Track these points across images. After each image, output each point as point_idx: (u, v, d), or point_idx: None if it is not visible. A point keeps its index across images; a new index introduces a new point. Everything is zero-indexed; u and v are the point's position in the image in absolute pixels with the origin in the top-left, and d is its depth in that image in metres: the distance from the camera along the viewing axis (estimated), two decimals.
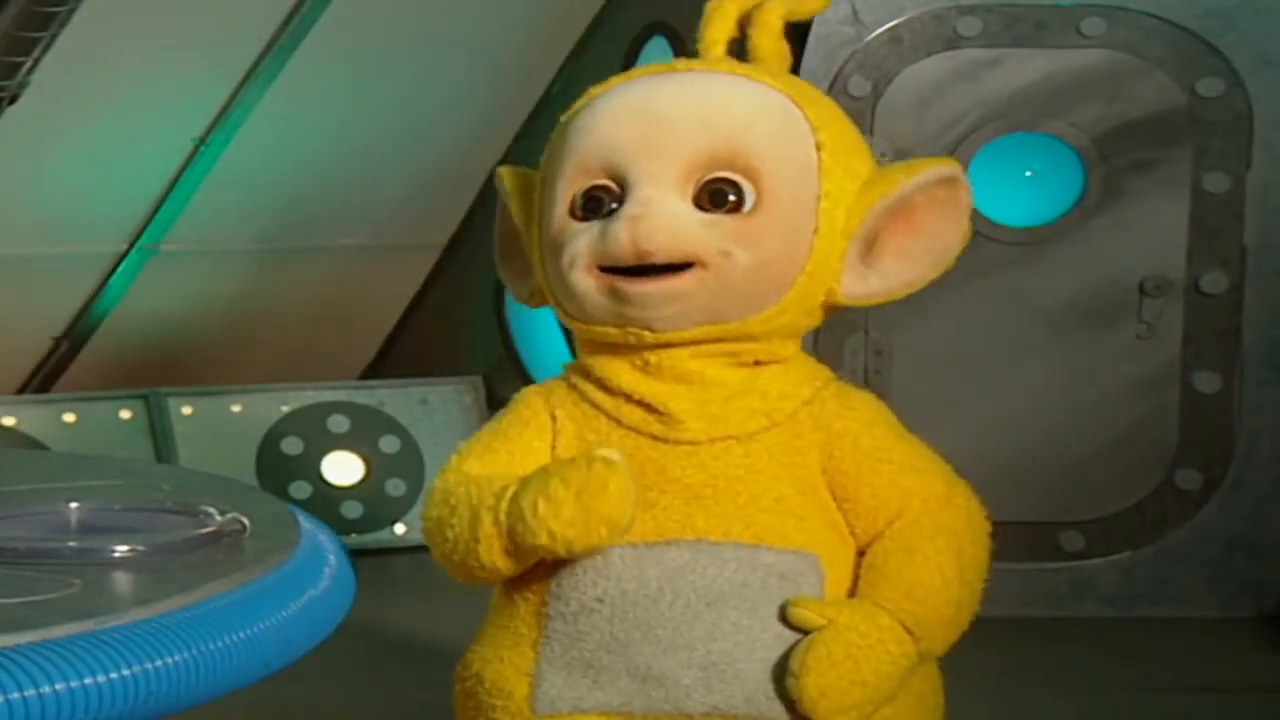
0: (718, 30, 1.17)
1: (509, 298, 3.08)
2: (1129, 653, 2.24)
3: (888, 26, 2.36)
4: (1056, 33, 2.36)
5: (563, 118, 1.18)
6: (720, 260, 1.06)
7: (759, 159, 1.07)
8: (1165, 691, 2.08)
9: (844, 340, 2.32)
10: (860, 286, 1.10)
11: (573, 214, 1.11)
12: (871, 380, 2.34)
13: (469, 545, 1.07)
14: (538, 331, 3.00)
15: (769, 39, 1.16)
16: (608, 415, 1.10)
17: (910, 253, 1.10)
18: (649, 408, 1.09)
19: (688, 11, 2.93)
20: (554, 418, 1.11)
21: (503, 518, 1.05)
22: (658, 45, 2.75)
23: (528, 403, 1.13)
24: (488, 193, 3.09)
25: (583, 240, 1.10)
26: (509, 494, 1.05)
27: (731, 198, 1.06)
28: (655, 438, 1.08)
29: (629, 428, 1.09)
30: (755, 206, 1.07)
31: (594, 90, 1.17)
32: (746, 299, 1.08)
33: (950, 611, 1.07)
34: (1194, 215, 2.36)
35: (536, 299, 1.17)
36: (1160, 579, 2.39)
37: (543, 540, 1.03)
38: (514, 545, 1.05)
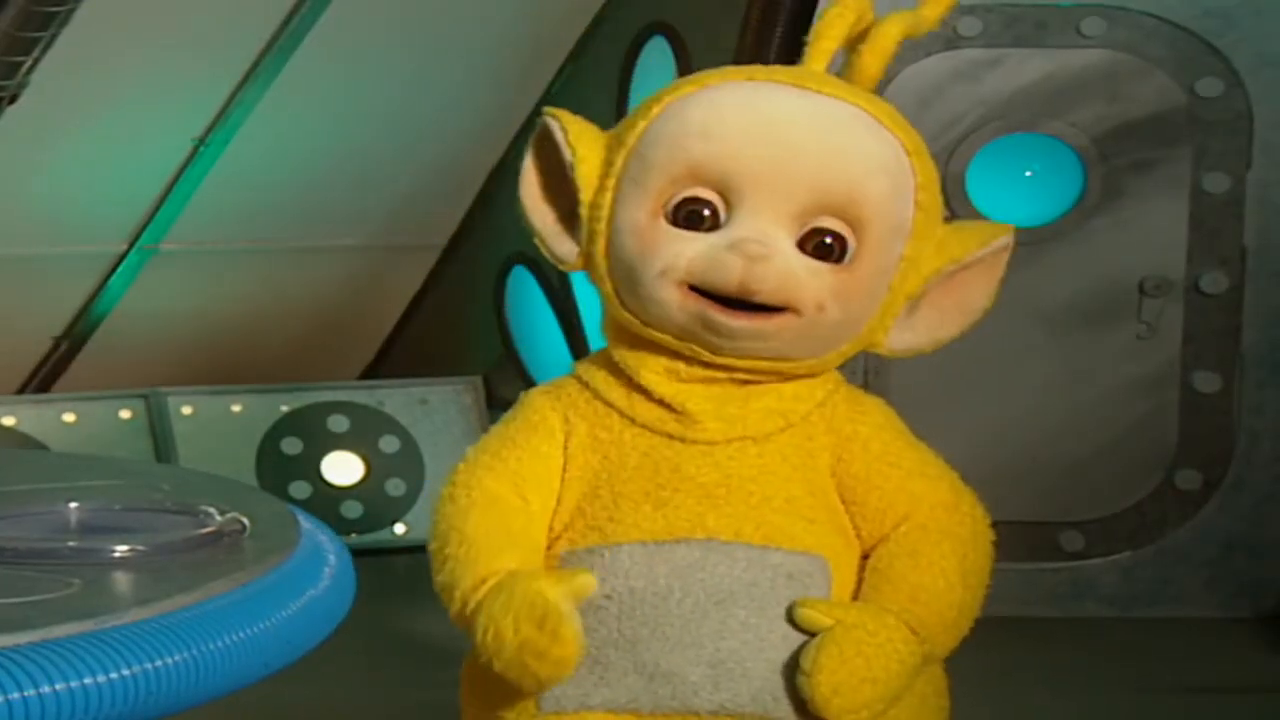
0: (830, 41, 1.11)
1: (509, 297, 3.08)
2: (1128, 653, 2.24)
3: None
4: (1056, 33, 2.36)
5: (667, 96, 1.11)
6: (815, 313, 1.06)
7: (871, 213, 1.06)
8: (1165, 692, 2.08)
9: None
10: (900, 340, 1.11)
11: (667, 216, 1.07)
12: (871, 380, 2.34)
13: (447, 605, 1.09)
14: (538, 331, 3.00)
15: (877, 61, 1.11)
16: (621, 413, 1.09)
17: (948, 311, 1.12)
18: (667, 406, 1.09)
19: (688, 11, 2.93)
20: (565, 420, 1.10)
21: (467, 613, 1.06)
22: (658, 45, 2.75)
23: (535, 406, 1.12)
24: (487, 192, 3.09)
25: (680, 253, 1.06)
26: (480, 593, 1.05)
27: (836, 247, 1.06)
28: (671, 436, 1.08)
29: (643, 425, 1.08)
30: (853, 260, 1.07)
31: (707, 77, 1.11)
32: (820, 347, 1.08)
33: (952, 615, 1.07)
34: (1194, 215, 2.36)
35: (577, 265, 1.13)
36: (1160, 579, 2.39)
37: (484, 660, 1.04)
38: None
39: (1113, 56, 2.35)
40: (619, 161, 1.10)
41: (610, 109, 2.81)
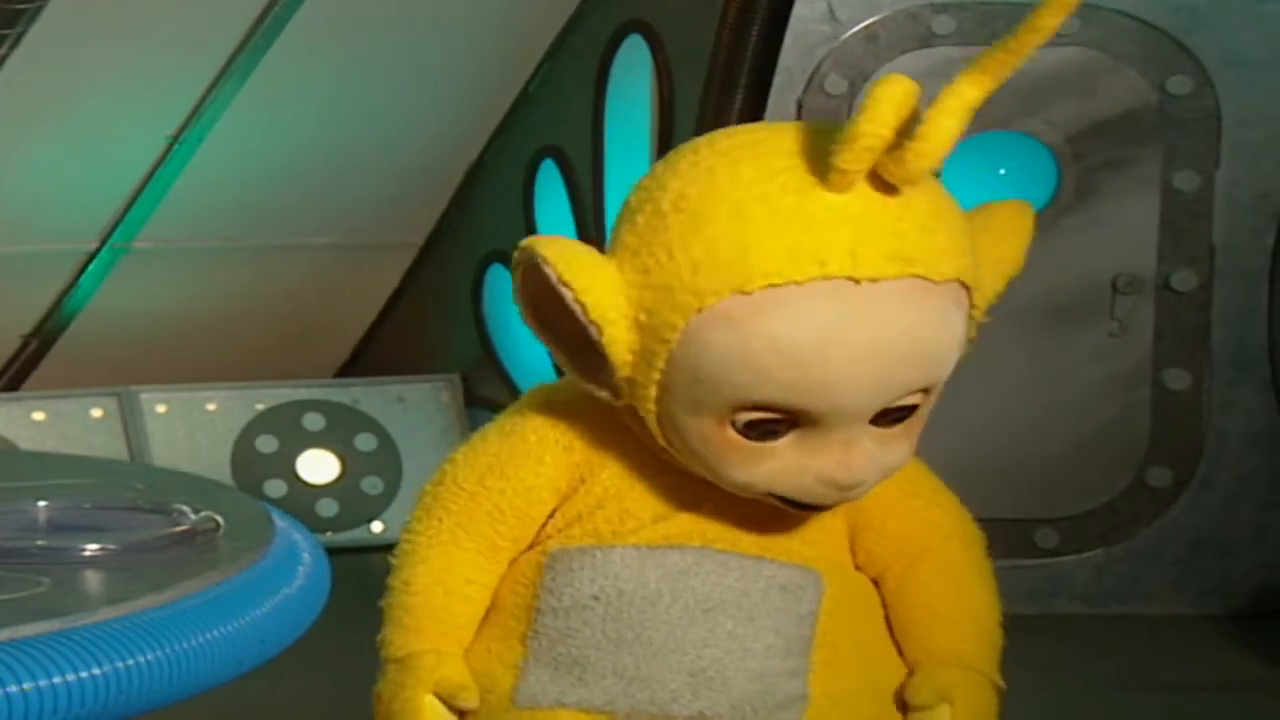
0: (890, 122, 0.90)
1: (486, 295, 3.08)
2: (1100, 650, 2.26)
3: (864, 24, 2.37)
4: None
5: (715, 279, 0.90)
6: (894, 470, 1.01)
7: (943, 376, 0.99)
8: (1135, 688, 2.10)
9: None
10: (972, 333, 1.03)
11: (733, 430, 0.96)
12: None
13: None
14: (516, 329, 3.00)
15: (941, 145, 0.91)
16: (636, 438, 1.04)
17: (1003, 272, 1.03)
18: None
19: (665, 10, 2.93)
20: (569, 443, 1.04)
21: (382, 654, 1.07)
22: (635, 44, 2.74)
23: (533, 426, 1.05)
24: (464, 191, 3.09)
25: (758, 469, 0.97)
26: (393, 653, 1.06)
27: (909, 415, 0.99)
28: (691, 474, 1.04)
29: (667, 457, 1.04)
30: (921, 408, 1.00)
31: (773, 271, 0.90)
32: None
33: (999, 636, 1.09)
34: (1164, 213, 2.38)
35: (616, 399, 1.00)
36: (1131, 576, 2.41)
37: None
38: None
39: (1086, 54, 2.36)
40: (660, 361, 0.95)
41: (587, 107, 2.81)
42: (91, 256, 2.90)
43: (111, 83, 2.64)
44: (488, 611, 1.08)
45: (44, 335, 2.94)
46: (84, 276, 2.91)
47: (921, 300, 0.94)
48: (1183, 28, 2.34)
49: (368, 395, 2.88)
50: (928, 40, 2.37)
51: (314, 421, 2.83)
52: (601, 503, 1.05)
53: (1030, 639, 2.22)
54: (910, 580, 1.08)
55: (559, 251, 0.96)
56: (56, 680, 0.79)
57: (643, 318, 0.95)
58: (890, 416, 0.98)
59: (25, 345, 2.95)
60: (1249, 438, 2.40)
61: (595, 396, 1.02)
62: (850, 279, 0.92)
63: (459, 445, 1.09)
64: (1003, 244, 1.01)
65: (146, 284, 2.95)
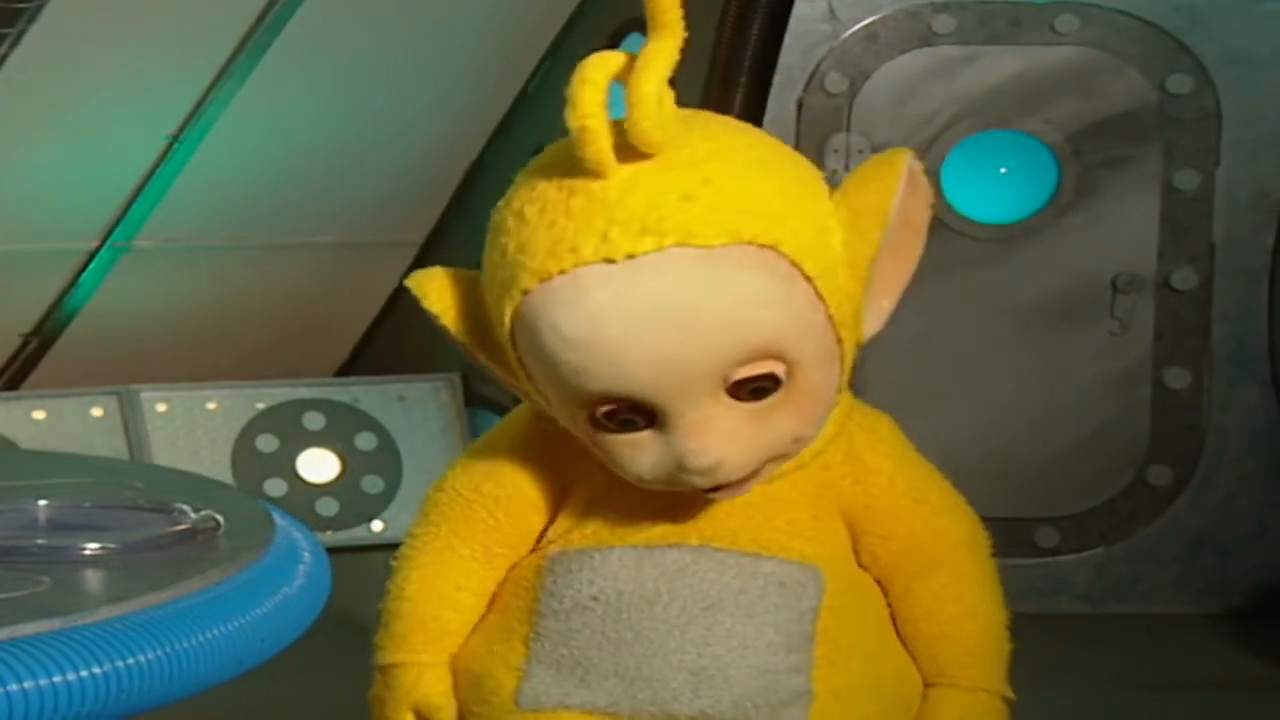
0: (603, 142, 0.92)
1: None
2: (1100, 649, 2.26)
3: (864, 23, 2.37)
4: (1030, 30, 2.37)
5: (504, 305, 0.95)
6: (794, 446, 1.01)
7: (780, 338, 0.96)
8: (1135, 687, 2.10)
9: None
10: (877, 319, 1.03)
11: (598, 426, 0.98)
12: (851, 379, 2.34)
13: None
14: None
15: (648, 109, 0.93)
16: None
17: (901, 248, 1.03)
18: None
19: None
20: (564, 447, 1.05)
21: (373, 661, 1.09)
22: (634, 43, 2.74)
23: (534, 433, 1.06)
24: (465, 190, 3.08)
25: (642, 463, 0.98)
26: (383, 660, 1.08)
27: (769, 385, 0.97)
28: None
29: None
30: (790, 378, 0.97)
31: (540, 274, 0.93)
32: (819, 427, 1.04)
33: (1007, 656, 1.10)
34: (1164, 212, 2.38)
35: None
36: (1131, 576, 2.41)
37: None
38: None
39: (1085, 53, 2.36)
40: (512, 359, 0.99)
41: None
42: (92, 255, 2.90)
43: (112, 81, 2.64)
44: (490, 614, 1.09)
45: (44, 334, 2.94)
46: (84, 275, 2.92)
47: (690, 269, 0.93)
48: (1183, 27, 2.34)
49: (368, 394, 2.88)
50: (928, 39, 2.37)
51: (314, 420, 2.82)
52: (598, 504, 1.06)
53: (1030, 638, 2.22)
54: (918, 592, 1.08)
55: (420, 282, 1.03)
56: (57, 679, 0.79)
57: (496, 328, 0.99)
58: (747, 388, 0.97)
59: (25, 344, 2.95)
60: (1249, 437, 2.40)
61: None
62: (606, 260, 0.93)
63: (459, 445, 1.10)
64: (864, 194, 1.00)
65: (147, 283, 2.95)
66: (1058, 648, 2.23)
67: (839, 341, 1.01)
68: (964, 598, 1.08)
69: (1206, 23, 2.34)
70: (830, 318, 0.99)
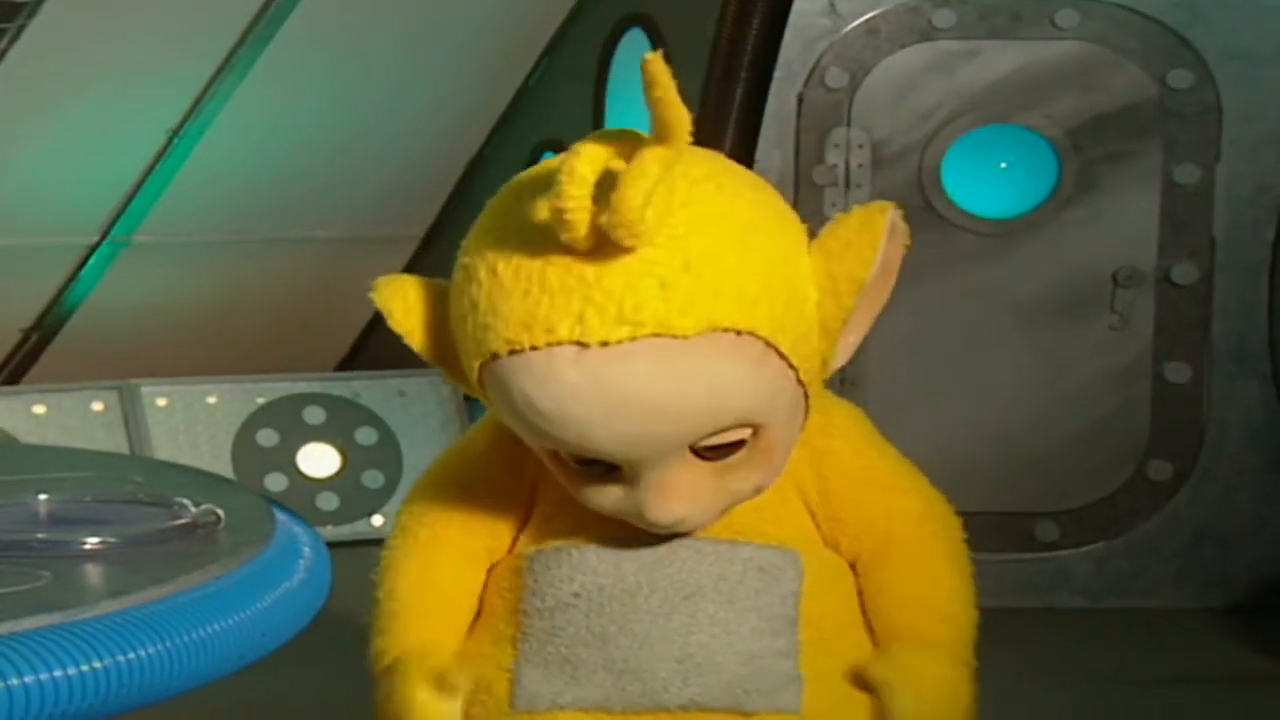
0: (584, 224, 0.90)
1: None
2: (1100, 643, 2.26)
3: (865, 18, 2.36)
4: (1030, 25, 2.37)
5: (472, 357, 0.95)
6: (754, 494, 1.03)
7: (749, 412, 0.96)
8: (1135, 682, 2.10)
9: None
10: (845, 354, 1.03)
11: (568, 464, 0.99)
12: (848, 373, 2.34)
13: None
14: None
15: (633, 216, 0.89)
16: None
17: (872, 289, 1.01)
18: None
19: (666, 3, 2.93)
20: (530, 466, 1.06)
21: (373, 666, 1.08)
22: (635, 37, 2.74)
23: (501, 442, 1.07)
24: (465, 184, 3.08)
25: (603, 499, 0.99)
26: (384, 662, 1.07)
27: (735, 448, 0.98)
28: None
29: None
30: (755, 439, 0.98)
31: (513, 343, 0.92)
32: (779, 469, 1.04)
33: (974, 628, 1.09)
34: (1165, 207, 2.37)
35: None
36: (1131, 570, 2.41)
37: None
38: None
39: (1086, 48, 2.36)
40: (480, 394, 1.00)
41: (588, 101, 2.80)
42: (92, 250, 2.89)
43: (112, 76, 2.63)
44: (478, 617, 1.09)
45: (44, 328, 2.95)
46: (84, 270, 2.91)
47: (664, 359, 0.93)
48: (1183, 21, 2.34)
49: (368, 389, 2.88)
50: (928, 34, 2.36)
51: (314, 415, 2.82)
52: (569, 501, 1.06)
53: (1030, 633, 2.22)
54: (877, 568, 1.08)
55: (386, 297, 1.01)
56: (57, 674, 0.79)
57: (465, 365, 0.99)
58: (710, 451, 0.98)
59: (26, 338, 2.95)
60: (1249, 431, 2.40)
61: None
62: (579, 344, 0.92)
63: (452, 443, 1.11)
64: (845, 260, 0.98)
65: (147, 277, 2.95)
66: (1058, 642, 2.23)
67: (805, 396, 1.02)
68: (921, 571, 1.08)
69: (1207, 18, 2.34)
70: (799, 379, 1.00)
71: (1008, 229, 2.40)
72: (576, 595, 1.04)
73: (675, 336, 0.93)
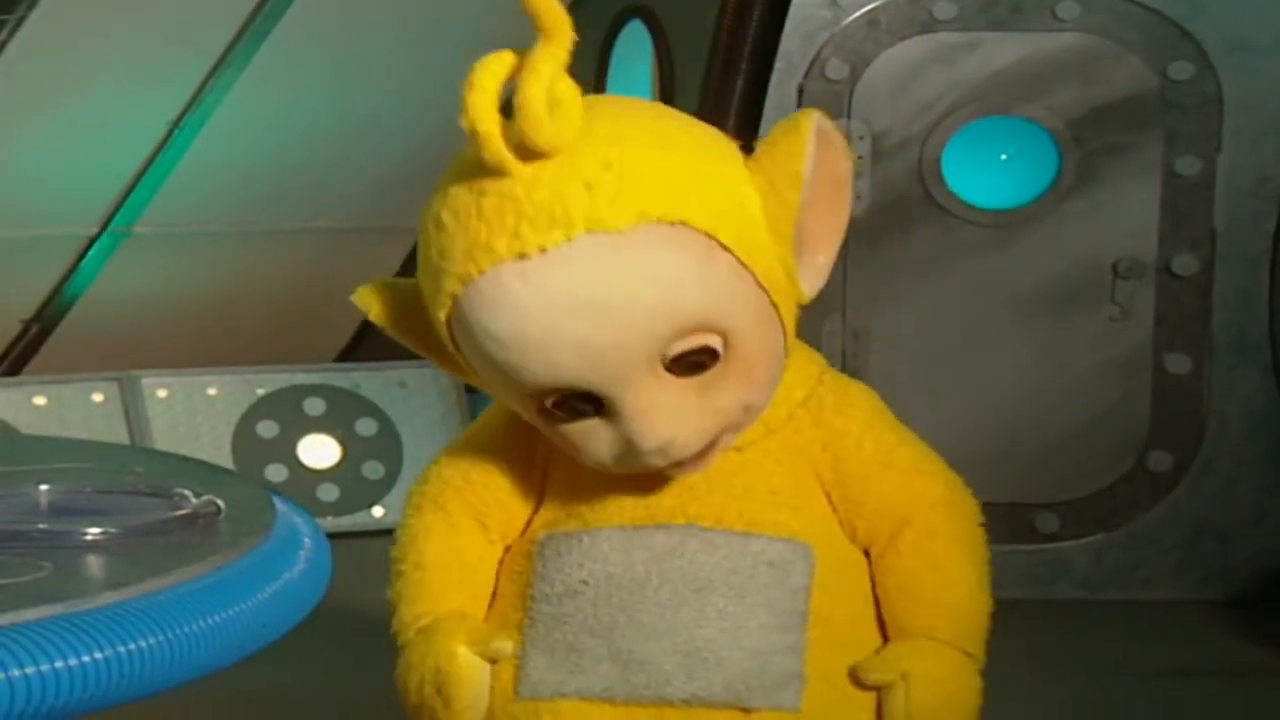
0: (492, 124, 0.95)
1: None
2: (1100, 635, 2.26)
3: (865, 10, 2.36)
4: (1031, 16, 2.36)
5: (436, 308, 0.98)
6: (744, 415, 1.02)
7: (706, 310, 0.96)
8: (1134, 674, 2.10)
9: (821, 323, 2.33)
10: (815, 277, 1.03)
11: (550, 416, 0.99)
12: (849, 363, 2.34)
13: (390, 609, 1.09)
14: None
15: (536, 118, 0.94)
16: None
17: (827, 199, 1.02)
18: None
19: None
20: (541, 450, 1.06)
21: (399, 641, 1.07)
22: (635, 28, 2.74)
23: (511, 425, 1.07)
24: None
25: (598, 448, 0.99)
26: (414, 629, 1.06)
27: (707, 358, 0.98)
28: None
29: None
30: (728, 349, 0.97)
31: (465, 279, 0.95)
32: (769, 393, 1.03)
33: (983, 619, 1.07)
34: (1165, 198, 2.37)
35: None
36: (1131, 561, 2.42)
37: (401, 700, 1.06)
38: None
39: (1087, 40, 2.35)
40: (460, 361, 1.01)
41: (588, 91, 2.79)
42: (92, 241, 2.89)
43: (112, 68, 2.63)
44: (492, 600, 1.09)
45: (45, 320, 2.95)
46: (85, 261, 2.91)
47: (602, 257, 0.94)
48: (1184, 13, 2.33)
49: (369, 380, 2.88)
50: (929, 25, 2.36)
51: (315, 406, 2.83)
52: (580, 486, 1.06)
53: (1030, 624, 2.22)
54: (889, 555, 1.07)
55: (364, 296, 1.05)
56: (58, 665, 0.79)
57: (438, 332, 1.01)
58: (685, 364, 0.97)
59: (26, 330, 2.95)
60: (1250, 422, 2.40)
61: None
62: (520, 257, 0.95)
63: (460, 430, 1.11)
64: (775, 157, 0.99)
65: (147, 268, 2.95)
66: (1057, 634, 2.23)
67: (774, 305, 1.01)
68: (933, 557, 1.06)
69: (1208, 9, 2.34)
70: (760, 284, 0.99)
71: (1008, 220, 2.40)
72: (584, 582, 1.03)
73: (609, 231, 0.94)
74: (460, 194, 0.98)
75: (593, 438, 1.00)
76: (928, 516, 1.07)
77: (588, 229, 0.94)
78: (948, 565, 1.07)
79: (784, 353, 1.03)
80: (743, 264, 0.98)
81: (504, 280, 0.95)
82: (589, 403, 0.98)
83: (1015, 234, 2.39)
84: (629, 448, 0.99)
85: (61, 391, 2.73)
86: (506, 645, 1.04)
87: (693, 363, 0.98)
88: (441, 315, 0.99)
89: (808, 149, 0.99)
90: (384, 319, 1.05)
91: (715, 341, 0.98)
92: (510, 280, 0.95)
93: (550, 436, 1.03)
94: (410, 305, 1.04)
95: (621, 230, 0.94)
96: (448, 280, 0.98)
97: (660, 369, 0.97)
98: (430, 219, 1.00)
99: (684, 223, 0.96)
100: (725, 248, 0.97)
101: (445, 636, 1.04)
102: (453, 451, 1.11)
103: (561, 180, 0.95)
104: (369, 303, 1.06)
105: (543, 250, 0.94)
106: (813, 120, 1.00)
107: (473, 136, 0.96)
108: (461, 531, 1.08)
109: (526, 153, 0.95)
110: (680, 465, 1.01)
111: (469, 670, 1.03)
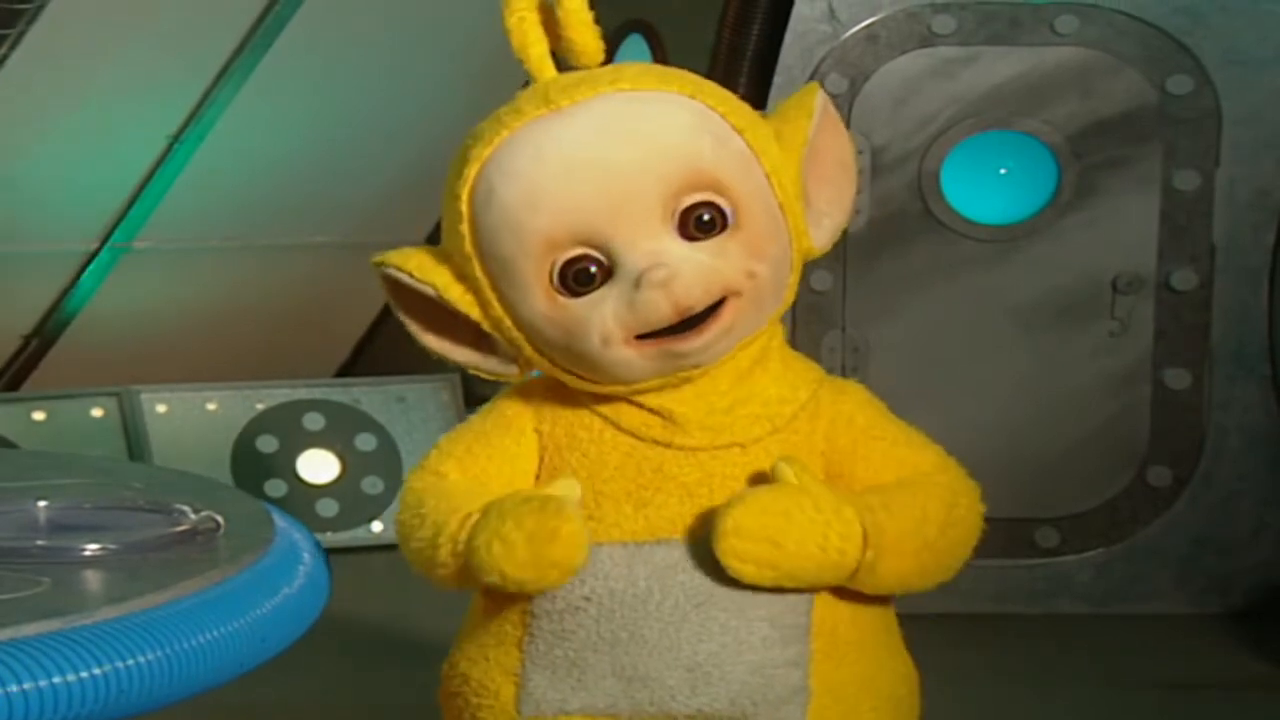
0: (537, 44, 1.09)
1: None
2: (1102, 649, 2.26)
3: (864, 24, 2.37)
4: (1030, 30, 2.37)
5: (461, 186, 1.07)
6: (749, 281, 1.05)
7: (718, 170, 1.04)
8: (1136, 687, 2.10)
9: (821, 337, 2.33)
10: (824, 234, 1.10)
11: (562, 291, 1.04)
12: (849, 377, 2.33)
13: (429, 565, 1.07)
14: None
15: (586, 34, 1.09)
16: (604, 417, 1.09)
17: (833, 177, 1.10)
18: (653, 412, 1.08)
19: (665, 9, 2.93)
20: (539, 420, 1.09)
21: (460, 548, 1.04)
22: (635, 43, 2.75)
23: (507, 406, 1.11)
24: None
25: (605, 317, 1.03)
26: (469, 524, 1.04)
27: (716, 217, 1.04)
28: (656, 442, 1.07)
29: (628, 431, 1.08)
30: (737, 218, 1.04)
31: (501, 127, 1.06)
32: (774, 300, 1.08)
33: (915, 548, 1.06)
34: (1164, 212, 2.38)
35: (527, 369, 1.12)
36: (1132, 576, 2.41)
37: (495, 580, 1.03)
38: (470, 577, 1.05)
39: (1085, 54, 2.36)
40: (477, 271, 1.07)
41: None
42: (92, 256, 2.90)
43: (111, 83, 2.64)
44: (481, 618, 1.09)
45: (44, 335, 2.95)
46: (84, 276, 2.92)
47: (623, 104, 1.05)
48: (1183, 27, 2.34)
49: (368, 395, 2.88)
50: (927, 40, 2.37)
51: (314, 421, 2.82)
52: (582, 486, 1.06)
53: (1031, 639, 2.22)
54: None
55: (391, 254, 1.12)
56: (57, 680, 0.79)
57: (454, 252, 1.08)
58: (694, 222, 1.04)
59: (26, 345, 2.95)
60: (1250, 436, 2.40)
61: (554, 383, 1.09)
62: (546, 113, 1.05)
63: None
64: (785, 116, 1.11)
65: (146, 284, 2.95)
66: (1059, 648, 2.23)
67: (781, 208, 1.07)
68: (920, 490, 1.08)
69: (1207, 23, 2.34)
70: (768, 178, 1.07)
71: (1007, 235, 2.40)
72: (587, 599, 1.04)
73: (633, 90, 1.06)
74: (506, 104, 1.08)
75: (600, 309, 1.04)
76: (919, 478, 1.09)
77: (614, 88, 1.05)
78: (920, 491, 1.07)
79: (789, 266, 1.08)
80: (754, 152, 1.06)
81: (529, 131, 1.05)
82: (599, 265, 1.03)
83: (1014, 248, 2.39)
84: (634, 295, 1.02)
85: (61, 407, 2.73)
86: (573, 482, 1.05)
87: (702, 220, 1.04)
88: (464, 194, 1.06)
89: (815, 113, 1.09)
90: (417, 268, 1.09)
91: (723, 202, 1.05)
92: (534, 132, 1.04)
93: (554, 335, 1.05)
94: (441, 264, 1.09)
95: (643, 90, 1.05)
96: (477, 147, 1.06)
97: (671, 228, 1.04)
98: (472, 134, 1.09)
99: (699, 99, 1.06)
100: (737, 130, 1.06)
101: (513, 493, 1.05)
102: (450, 438, 1.12)
103: (592, 75, 1.07)
104: (400, 260, 1.10)
105: (570, 103, 1.04)
106: (818, 93, 1.10)
107: (512, 35, 1.09)
108: (475, 467, 1.09)
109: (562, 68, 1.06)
110: (685, 335, 1.04)
111: (566, 492, 1.04)
